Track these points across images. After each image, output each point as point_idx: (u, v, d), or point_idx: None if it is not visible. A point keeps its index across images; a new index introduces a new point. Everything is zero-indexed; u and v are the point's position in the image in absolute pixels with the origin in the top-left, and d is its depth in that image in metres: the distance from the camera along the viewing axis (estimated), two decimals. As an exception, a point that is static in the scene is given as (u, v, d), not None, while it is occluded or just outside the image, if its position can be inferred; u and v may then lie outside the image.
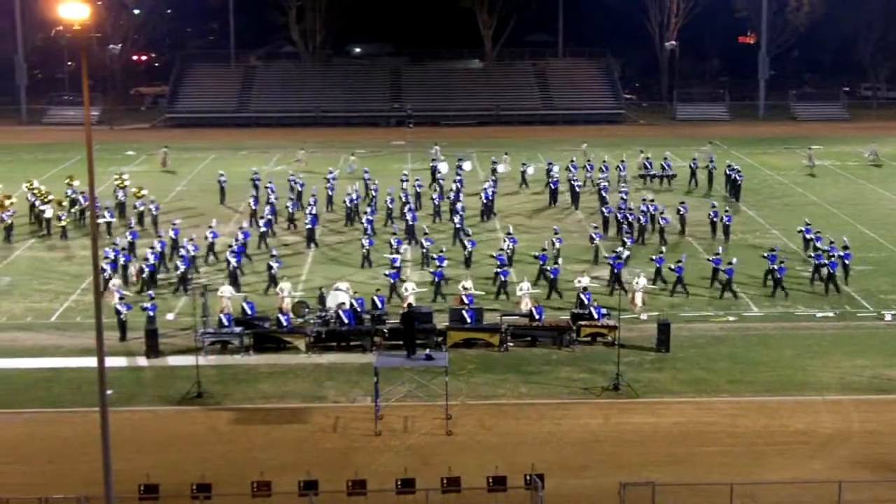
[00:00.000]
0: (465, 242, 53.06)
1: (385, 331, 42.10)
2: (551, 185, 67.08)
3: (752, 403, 37.10)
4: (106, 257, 48.98)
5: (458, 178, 66.63)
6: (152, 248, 51.10)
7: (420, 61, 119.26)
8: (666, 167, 72.81)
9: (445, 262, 49.89)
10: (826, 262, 49.22)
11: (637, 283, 46.27)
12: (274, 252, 51.79)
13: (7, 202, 60.11)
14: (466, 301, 43.98)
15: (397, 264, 49.42)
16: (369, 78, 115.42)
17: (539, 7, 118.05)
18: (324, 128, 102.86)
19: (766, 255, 49.86)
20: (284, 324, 42.14)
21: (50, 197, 62.06)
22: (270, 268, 49.35)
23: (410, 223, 57.62)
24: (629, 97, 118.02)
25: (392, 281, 47.40)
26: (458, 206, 59.96)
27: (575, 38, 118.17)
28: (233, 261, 49.68)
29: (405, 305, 43.62)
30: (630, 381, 38.17)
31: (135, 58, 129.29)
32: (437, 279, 47.61)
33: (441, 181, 67.68)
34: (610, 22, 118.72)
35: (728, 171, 71.00)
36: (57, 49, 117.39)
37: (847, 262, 49.93)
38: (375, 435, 34.38)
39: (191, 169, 79.92)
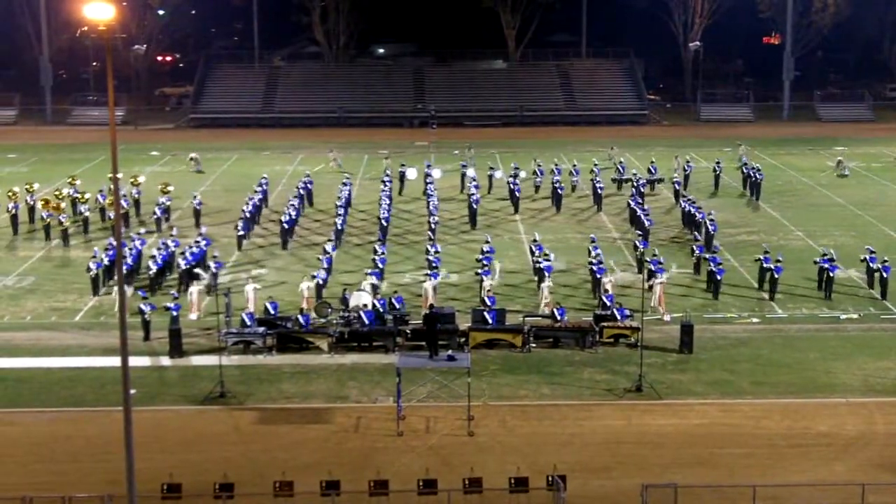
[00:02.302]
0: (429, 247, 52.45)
1: (407, 331, 42.17)
2: (559, 189, 66.63)
3: (775, 405, 36.97)
4: (94, 256, 49.97)
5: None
6: (195, 244, 52.05)
7: (443, 62, 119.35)
8: (652, 171, 71.95)
9: (384, 264, 50.08)
10: (880, 266, 48.75)
11: (655, 281, 46.14)
12: (215, 254, 51.87)
13: (63, 204, 60.53)
14: (489, 302, 43.99)
15: (438, 265, 49.34)
16: (393, 78, 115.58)
17: (562, 8, 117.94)
18: (347, 128, 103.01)
19: (865, 257, 49.73)
20: (303, 324, 42.21)
21: (86, 196, 62.50)
22: (208, 267, 49.57)
23: (384, 224, 57.65)
24: (653, 98, 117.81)
25: (435, 280, 47.37)
26: (432, 208, 60.00)
27: (598, 39, 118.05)
28: (182, 263, 49.89)
29: (426, 306, 43.70)
30: (653, 383, 38.08)
31: (159, 58, 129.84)
32: (376, 278, 47.67)
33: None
34: (633, 22, 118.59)
35: (745, 170, 70.98)
36: (82, 49, 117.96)
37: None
38: (397, 435, 34.40)
39: (215, 169, 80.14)
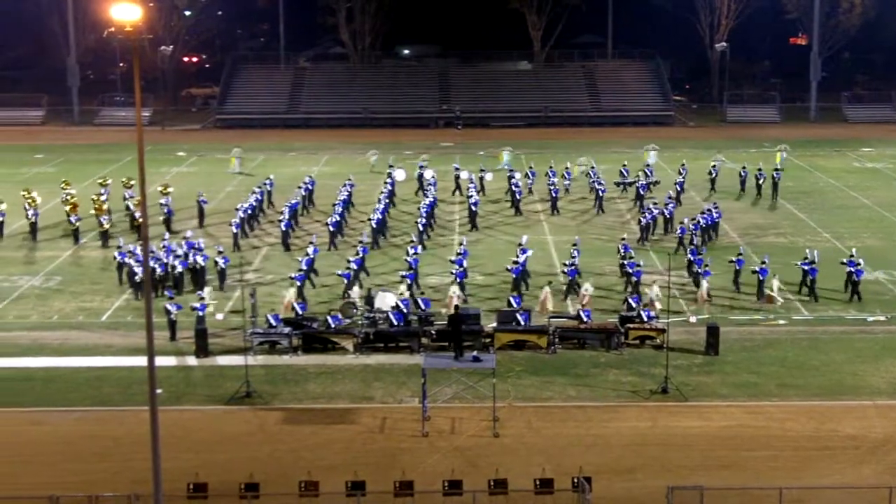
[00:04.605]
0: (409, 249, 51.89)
1: (433, 332, 42.19)
2: (552, 192, 66.12)
3: (801, 408, 36.84)
4: (139, 261, 49.70)
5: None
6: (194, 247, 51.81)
7: (469, 62, 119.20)
8: (648, 173, 70.61)
9: (360, 266, 49.83)
10: (854, 269, 48.44)
11: (703, 285, 46.35)
12: (220, 248, 52.02)
13: (105, 206, 60.62)
14: (515, 303, 43.95)
15: (415, 266, 49.33)
16: (418, 79, 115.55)
17: (588, 8, 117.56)
18: (372, 129, 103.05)
19: (845, 261, 49.34)
20: (332, 324, 42.29)
21: (103, 197, 62.54)
22: (215, 263, 50.08)
23: (374, 225, 57.60)
24: (678, 99, 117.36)
25: (409, 281, 47.37)
26: (422, 210, 59.99)
27: (624, 40, 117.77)
28: (200, 260, 50.14)
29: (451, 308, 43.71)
30: (678, 385, 38.00)
31: (186, 59, 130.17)
32: (345, 279, 47.70)
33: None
34: (659, 23, 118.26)
35: (743, 173, 70.70)
36: (109, 50, 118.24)
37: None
38: (423, 436, 34.43)
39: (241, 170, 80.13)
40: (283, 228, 57.45)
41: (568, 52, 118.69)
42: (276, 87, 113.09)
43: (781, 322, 45.56)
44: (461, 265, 48.89)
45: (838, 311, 46.78)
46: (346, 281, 47.46)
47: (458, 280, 47.75)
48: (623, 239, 53.89)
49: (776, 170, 70.01)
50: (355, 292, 45.92)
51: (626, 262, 49.83)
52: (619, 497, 30.61)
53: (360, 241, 53.60)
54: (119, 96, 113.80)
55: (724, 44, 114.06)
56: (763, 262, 48.70)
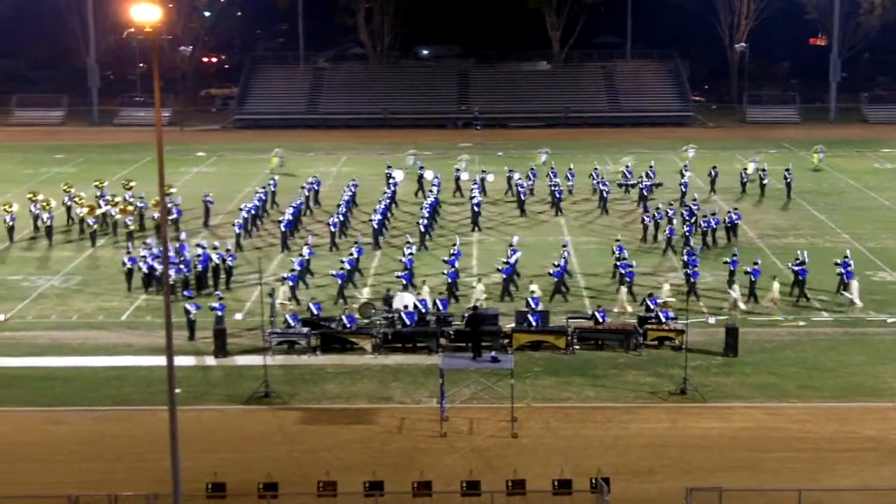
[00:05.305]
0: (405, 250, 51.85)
1: (451, 332, 42.19)
2: (556, 193, 65.94)
3: (820, 409, 36.73)
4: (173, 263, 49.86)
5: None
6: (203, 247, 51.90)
7: (488, 63, 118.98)
8: (651, 175, 69.87)
9: (353, 266, 49.88)
10: (844, 271, 48.43)
11: (774, 287, 46.50)
12: (229, 246, 52.58)
13: (130, 207, 60.68)
14: (533, 304, 43.93)
15: (410, 266, 49.23)
16: (437, 80, 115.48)
17: (607, 8, 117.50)
18: (391, 129, 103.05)
19: (838, 261, 49.25)
20: (347, 324, 42.33)
21: (117, 199, 62.59)
22: (223, 261, 50.39)
23: (375, 226, 57.65)
24: (698, 99, 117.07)
25: (405, 282, 47.40)
26: (424, 211, 59.99)
27: (643, 40, 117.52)
28: (219, 260, 50.51)
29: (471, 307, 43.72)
30: (697, 386, 37.93)
31: (205, 59, 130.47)
32: (340, 280, 47.88)
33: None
34: (679, 24, 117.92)
35: (744, 176, 70.86)
36: (129, 51, 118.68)
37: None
38: (441, 436, 34.44)
39: (259, 170, 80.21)
40: (284, 229, 57.46)
41: (587, 53, 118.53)
42: (295, 87, 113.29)
43: (801, 323, 45.44)
44: (453, 265, 48.96)
45: (858, 313, 46.61)
46: (340, 281, 47.54)
47: (450, 279, 47.79)
48: (617, 240, 53.84)
49: (787, 170, 69.81)
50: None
51: (619, 262, 49.87)
52: (638, 498, 30.57)
53: (356, 242, 53.60)
54: (139, 96, 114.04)
55: (743, 44, 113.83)
56: (755, 263, 48.41)
